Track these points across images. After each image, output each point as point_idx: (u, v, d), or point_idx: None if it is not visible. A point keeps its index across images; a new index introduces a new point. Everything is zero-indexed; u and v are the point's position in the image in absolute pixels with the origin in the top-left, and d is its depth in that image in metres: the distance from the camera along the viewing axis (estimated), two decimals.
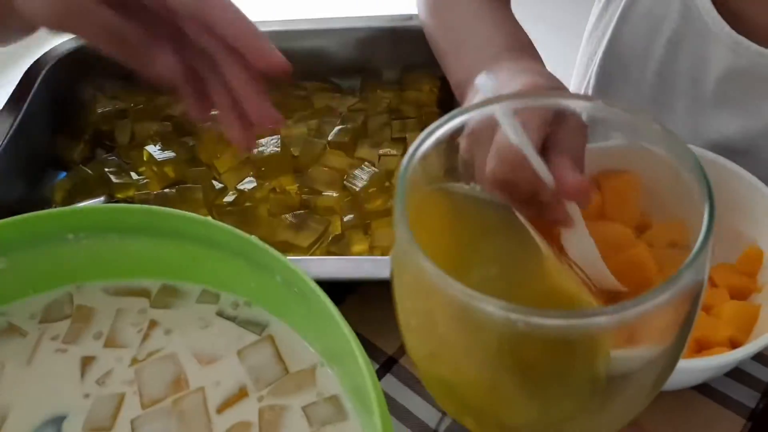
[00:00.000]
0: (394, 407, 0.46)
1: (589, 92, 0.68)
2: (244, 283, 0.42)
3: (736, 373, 0.45)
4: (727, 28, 0.52)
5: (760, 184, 0.45)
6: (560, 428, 0.30)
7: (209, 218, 0.40)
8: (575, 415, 0.29)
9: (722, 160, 0.47)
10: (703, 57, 0.55)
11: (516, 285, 0.32)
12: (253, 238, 0.39)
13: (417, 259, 0.24)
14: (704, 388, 0.45)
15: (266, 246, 0.39)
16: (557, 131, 0.34)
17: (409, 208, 0.28)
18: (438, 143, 0.29)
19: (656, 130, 0.27)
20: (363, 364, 0.33)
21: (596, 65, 0.65)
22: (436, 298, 0.25)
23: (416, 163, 0.28)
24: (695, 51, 0.55)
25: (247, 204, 0.55)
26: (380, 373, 0.48)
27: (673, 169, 0.27)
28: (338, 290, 0.51)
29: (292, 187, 0.58)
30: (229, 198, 0.57)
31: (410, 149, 0.28)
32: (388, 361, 0.49)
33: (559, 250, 0.35)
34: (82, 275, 0.44)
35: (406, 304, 0.28)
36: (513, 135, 0.29)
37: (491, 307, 0.23)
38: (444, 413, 0.45)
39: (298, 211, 0.55)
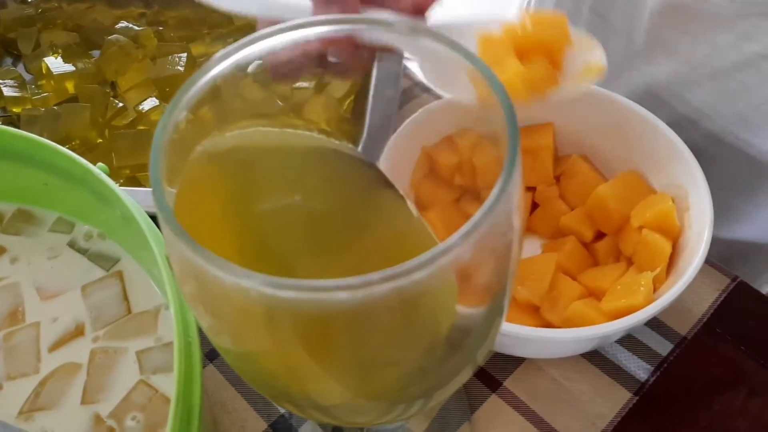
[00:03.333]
0: None
1: None
2: (95, 215, 0.39)
3: (630, 342, 0.42)
4: None
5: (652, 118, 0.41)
6: (382, 404, 0.27)
7: (50, 142, 0.36)
8: (383, 394, 0.26)
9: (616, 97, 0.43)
10: None
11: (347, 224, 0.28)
12: (94, 167, 0.35)
13: (165, 216, 0.20)
14: (594, 356, 0.42)
15: (103, 176, 0.35)
16: None
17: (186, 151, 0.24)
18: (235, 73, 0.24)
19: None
20: (173, 313, 0.30)
21: None
22: (188, 265, 0.21)
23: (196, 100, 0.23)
24: None
25: (141, 127, 0.52)
26: None
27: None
28: None
29: None
30: (129, 119, 0.53)
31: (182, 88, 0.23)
32: None
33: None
34: None
35: (176, 269, 0.24)
36: None
37: (227, 276, 0.19)
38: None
39: None
